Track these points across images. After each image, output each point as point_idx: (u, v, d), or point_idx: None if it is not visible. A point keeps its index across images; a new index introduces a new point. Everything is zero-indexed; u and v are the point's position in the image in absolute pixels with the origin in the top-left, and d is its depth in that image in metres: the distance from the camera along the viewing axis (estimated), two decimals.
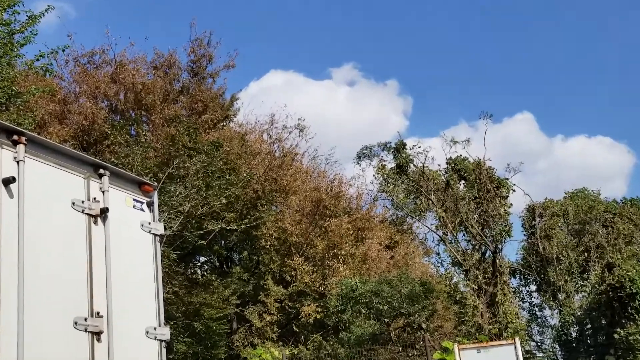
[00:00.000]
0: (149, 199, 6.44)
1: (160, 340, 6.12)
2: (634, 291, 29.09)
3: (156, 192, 6.55)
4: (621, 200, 41.05)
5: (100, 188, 5.86)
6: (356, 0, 75.21)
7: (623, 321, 29.74)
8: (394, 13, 75.12)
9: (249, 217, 24.22)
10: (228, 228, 23.26)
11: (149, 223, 6.37)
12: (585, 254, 36.22)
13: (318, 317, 25.65)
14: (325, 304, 25.84)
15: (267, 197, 26.01)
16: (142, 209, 6.35)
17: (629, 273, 29.53)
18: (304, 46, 78.58)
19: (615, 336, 29.61)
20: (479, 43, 76.17)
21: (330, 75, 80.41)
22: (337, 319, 26.88)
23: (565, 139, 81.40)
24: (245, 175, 23.45)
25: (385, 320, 26.19)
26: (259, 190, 25.78)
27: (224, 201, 21.56)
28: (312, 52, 77.80)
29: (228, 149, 23.30)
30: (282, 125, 29.21)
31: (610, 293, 29.95)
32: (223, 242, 27.09)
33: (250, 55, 71.05)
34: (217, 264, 27.98)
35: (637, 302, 29.17)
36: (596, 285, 31.98)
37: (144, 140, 22.44)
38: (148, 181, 6.69)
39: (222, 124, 27.61)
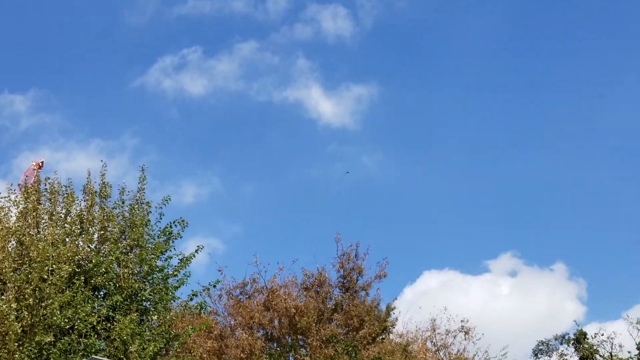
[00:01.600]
0: None
1: None
2: None
3: None
4: None
5: None
6: (498, 189, 74.38)
7: None
8: (547, 196, 73.02)
9: None
10: None
11: None
12: None
13: None
14: None
15: None
16: None
17: None
18: (455, 243, 77.34)
19: None
20: None
21: (489, 269, 77.52)
22: None
23: None
24: None
25: None
26: None
27: None
28: (465, 247, 76.23)
29: None
30: (445, 329, 27.66)
31: None
32: None
33: (400, 260, 70.66)
34: None
35: None
36: None
37: None
38: None
39: (381, 337, 26.25)
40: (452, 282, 67.39)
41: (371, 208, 74.60)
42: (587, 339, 30.68)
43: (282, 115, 74.40)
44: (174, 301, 19.73)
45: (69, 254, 16.95)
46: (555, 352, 31.14)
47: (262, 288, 25.73)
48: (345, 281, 26.83)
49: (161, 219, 19.30)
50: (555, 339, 31.33)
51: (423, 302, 67.33)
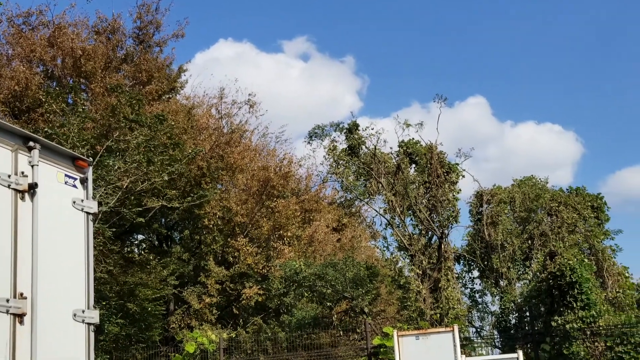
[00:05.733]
0: (82, 175, 6.15)
1: (89, 324, 5.87)
2: (574, 280, 29.32)
3: (91, 168, 6.33)
4: (567, 189, 41.40)
5: (30, 162, 5.53)
6: None
7: (561, 309, 30.01)
8: None
9: (192, 195, 23.25)
10: (169, 206, 22.20)
11: (82, 200, 6.09)
12: (529, 241, 36.38)
13: (259, 299, 24.98)
14: (267, 287, 25.17)
15: (213, 174, 25.01)
16: (74, 186, 6.06)
17: (570, 262, 29.75)
18: (255, 15, 76.67)
19: (553, 324, 29.89)
20: (437, 24, 75.99)
21: (282, 49, 78.85)
22: (279, 302, 26.29)
23: (514, 124, 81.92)
24: (190, 151, 22.36)
25: (328, 303, 25.69)
26: (204, 167, 24.74)
27: (166, 178, 20.55)
28: (264, 22, 75.97)
29: (173, 123, 22.16)
30: (231, 100, 28.48)
31: (551, 281, 30.13)
32: (163, 220, 25.99)
33: (198, 23, 68.95)
34: (156, 242, 26.89)
35: (575, 291, 29.41)
36: (537, 273, 32.14)
37: (81, 109, 21.10)
38: (82, 156, 6.27)
39: (167, 96, 26.40)
40: (246, 55, 67.87)
41: None
42: (359, 130, 33.32)
43: None
44: None
45: None
46: (328, 137, 33.47)
47: (48, 22, 24.10)
48: (140, 33, 25.98)
49: None
50: (331, 126, 33.51)
51: (214, 69, 67.50)
